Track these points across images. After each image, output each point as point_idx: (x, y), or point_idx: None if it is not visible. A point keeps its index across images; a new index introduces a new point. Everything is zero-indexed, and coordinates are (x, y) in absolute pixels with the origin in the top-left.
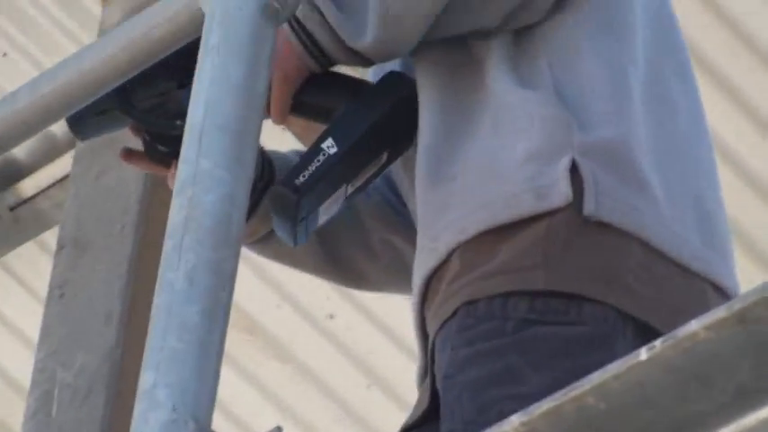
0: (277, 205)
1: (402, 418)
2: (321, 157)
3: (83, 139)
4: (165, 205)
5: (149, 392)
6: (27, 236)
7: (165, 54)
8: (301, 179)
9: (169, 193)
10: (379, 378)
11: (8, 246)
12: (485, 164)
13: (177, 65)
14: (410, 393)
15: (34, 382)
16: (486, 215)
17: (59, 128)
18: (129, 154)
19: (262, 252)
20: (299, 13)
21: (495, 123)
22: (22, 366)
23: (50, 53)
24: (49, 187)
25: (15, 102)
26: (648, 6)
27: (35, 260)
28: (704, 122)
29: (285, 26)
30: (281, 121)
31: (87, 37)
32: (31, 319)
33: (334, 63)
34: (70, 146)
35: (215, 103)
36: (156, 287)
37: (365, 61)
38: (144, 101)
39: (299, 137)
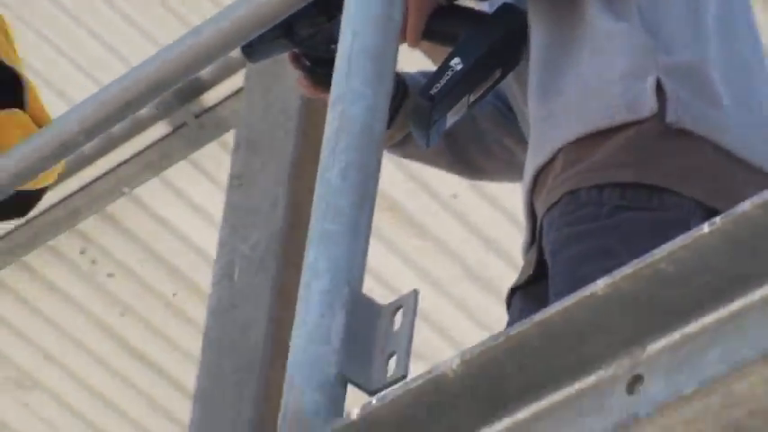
0: (415, 112)
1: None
2: (449, 73)
3: (254, 61)
4: (320, 115)
5: (312, 265)
6: (210, 138)
7: None
8: (434, 90)
9: (322, 105)
10: (494, 245)
11: (195, 146)
12: (586, 82)
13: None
14: (519, 259)
15: (219, 255)
16: (587, 123)
17: (234, 51)
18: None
19: (400, 153)
20: None
21: (594, 50)
22: (210, 241)
23: None
24: (226, 98)
25: (199, 34)
26: None
27: (218, 157)
28: (763, 58)
29: None
30: (414, 45)
31: None
32: (216, 204)
33: None
34: (243, 65)
35: (359, 32)
36: (317, 183)
37: None
38: (303, 30)
39: (427, 54)
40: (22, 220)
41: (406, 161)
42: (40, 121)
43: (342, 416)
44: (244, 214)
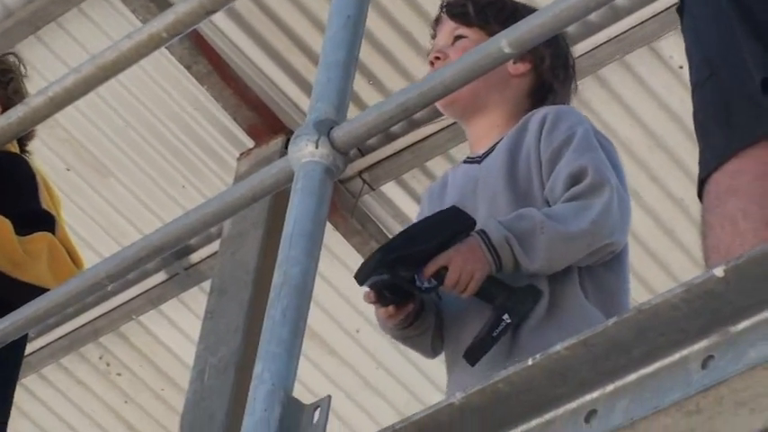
0: (479, 347)
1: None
2: (503, 324)
3: (361, 284)
4: (269, 274)
5: (260, 374)
6: (193, 284)
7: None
8: (494, 333)
9: (270, 269)
10: (384, 365)
11: (183, 289)
12: None
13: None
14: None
15: (195, 363)
16: None
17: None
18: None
19: (411, 334)
20: (495, 240)
21: None
22: (189, 355)
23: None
24: (206, 258)
25: (188, 217)
26: None
27: (198, 298)
28: None
29: (483, 244)
30: (466, 296)
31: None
32: (195, 330)
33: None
34: (218, 236)
35: (299, 220)
36: (265, 318)
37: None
38: (404, 272)
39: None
40: (62, 333)
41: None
42: (65, 245)
43: None
44: (214, 337)
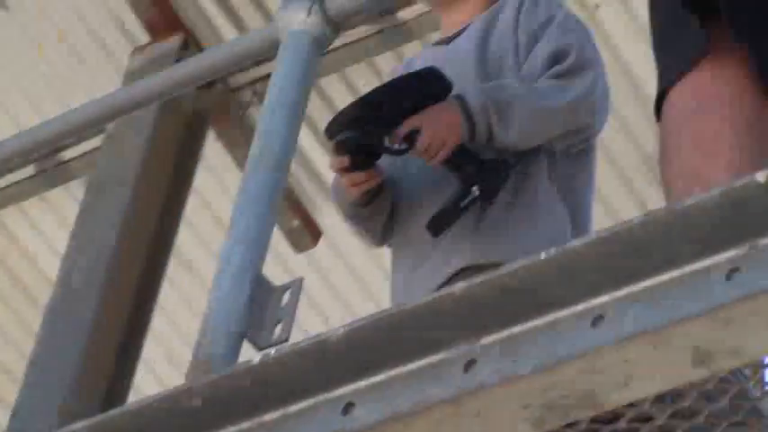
0: (445, 215)
1: None
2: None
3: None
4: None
5: (229, 251)
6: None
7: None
8: (463, 204)
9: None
10: None
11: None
12: None
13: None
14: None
15: (62, 263)
16: None
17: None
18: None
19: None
20: (472, 106)
21: None
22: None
23: None
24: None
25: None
26: None
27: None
28: None
29: (460, 110)
30: (434, 163)
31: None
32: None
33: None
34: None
35: (284, 90)
36: (239, 191)
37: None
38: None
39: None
40: None
41: None
42: None
43: (236, 362)
44: (86, 236)
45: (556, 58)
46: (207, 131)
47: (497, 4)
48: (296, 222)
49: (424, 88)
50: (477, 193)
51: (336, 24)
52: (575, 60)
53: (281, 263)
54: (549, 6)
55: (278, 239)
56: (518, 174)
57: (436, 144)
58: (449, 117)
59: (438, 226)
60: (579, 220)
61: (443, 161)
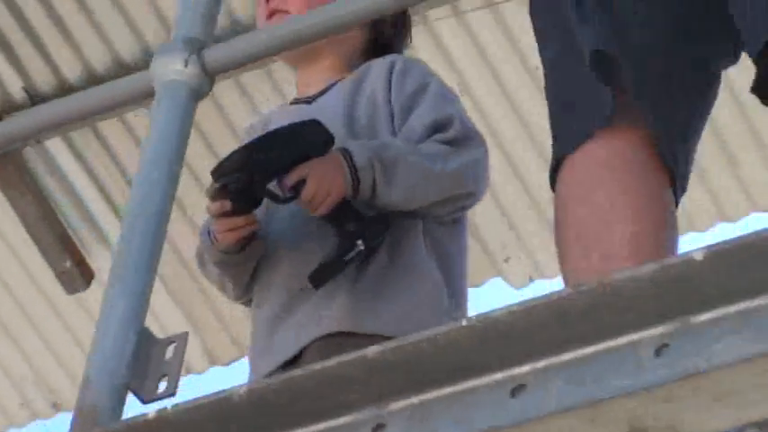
0: (329, 268)
1: None
2: (357, 250)
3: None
4: None
5: (111, 302)
6: None
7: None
8: (347, 257)
9: None
10: None
11: None
12: None
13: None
14: None
15: None
16: None
17: None
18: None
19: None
20: (358, 161)
21: None
22: None
23: None
24: None
25: None
26: None
27: None
28: None
29: (345, 164)
30: (319, 213)
31: None
32: None
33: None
34: None
35: (163, 140)
36: (119, 241)
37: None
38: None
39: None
40: None
41: None
42: None
43: (121, 414)
44: None
45: (437, 127)
46: None
47: (364, 67)
48: (68, 264)
49: (309, 138)
50: (361, 246)
51: (213, 76)
52: (460, 130)
53: (51, 306)
54: (422, 73)
55: (49, 281)
56: (394, 234)
57: (321, 195)
58: (334, 169)
59: (321, 278)
60: (456, 287)
61: (324, 214)
